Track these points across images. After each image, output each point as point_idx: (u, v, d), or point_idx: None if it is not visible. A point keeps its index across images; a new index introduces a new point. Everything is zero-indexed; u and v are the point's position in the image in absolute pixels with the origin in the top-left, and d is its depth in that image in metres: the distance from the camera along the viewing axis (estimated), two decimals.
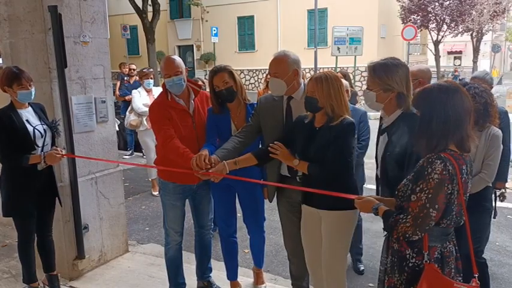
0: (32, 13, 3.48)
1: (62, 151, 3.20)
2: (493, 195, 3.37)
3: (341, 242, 2.75)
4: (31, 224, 3.29)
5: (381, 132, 2.51)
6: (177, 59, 3.21)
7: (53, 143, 3.29)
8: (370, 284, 3.84)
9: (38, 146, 3.16)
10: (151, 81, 6.23)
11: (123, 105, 8.39)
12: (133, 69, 9.17)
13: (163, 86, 3.20)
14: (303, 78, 3.04)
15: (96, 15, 3.83)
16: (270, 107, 3.00)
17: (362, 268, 4.06)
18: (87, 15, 3.75)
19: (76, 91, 3.68)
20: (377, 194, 2.62)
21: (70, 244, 3.70)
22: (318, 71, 3.27)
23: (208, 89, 3.30)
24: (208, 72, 3.22)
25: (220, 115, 3.18)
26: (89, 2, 3.76)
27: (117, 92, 8.45)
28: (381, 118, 2.59)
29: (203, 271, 3.60)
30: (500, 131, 3.06)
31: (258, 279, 3.65)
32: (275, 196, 3.16)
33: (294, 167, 2.68)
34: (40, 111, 3.30)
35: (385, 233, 2.21)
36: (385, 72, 2.36)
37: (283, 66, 2.88)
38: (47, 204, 3.36)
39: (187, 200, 3.38)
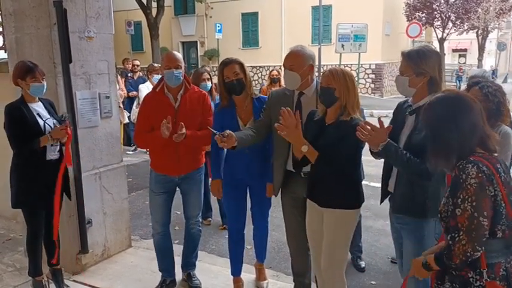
0: (37, 8, 3.49)
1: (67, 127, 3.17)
2: None
3: (341, 241, 2.73)
4: (39, 216, 3.31)
5: (409, 113, 2.52)
6: (179, 54, 3.33)
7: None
8: (372, 282, 3.85)
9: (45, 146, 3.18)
10: (160, 76, 6.24)
11: (127, 101, 8.41)
12: (137, 65, 9.18)
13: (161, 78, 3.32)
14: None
15: (101, 10, 3.84)
16: (280, 101, 2.98)
17: (363, 265, 4.07)
18: (92, 10, 3.76)
19: (80, 86, 3.69)
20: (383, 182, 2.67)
21: (74, 238, 3.72)
22: (321, 68, 3.27)
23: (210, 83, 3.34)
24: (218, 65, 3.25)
25: (226, 109, 3.21)
26: None
27: (124, 90, 8.33)
28: (396, 110, 2.66)
29: (185, 263, 3.63)
30: (510, 130, 3.03)
31: (260, 276, 3.67)
32: (279, 191, 3.17)
33: (303, 152, 2.59)
34: (50, 106, 3.33)
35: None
36: (419, 57, 2.42)
37: (299, 59, 2.90)
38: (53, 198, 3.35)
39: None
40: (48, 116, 3.24)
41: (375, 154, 2.48)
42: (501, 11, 21.96)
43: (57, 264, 3.50)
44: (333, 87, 2.58)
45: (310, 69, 2.92)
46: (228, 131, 2.77)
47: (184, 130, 3.06)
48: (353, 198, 2.71)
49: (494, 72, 21.55)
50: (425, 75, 2.41)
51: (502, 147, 2.94)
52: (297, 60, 2.90)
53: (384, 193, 2.70)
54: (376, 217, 5.28)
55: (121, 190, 4.12)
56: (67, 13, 3.44)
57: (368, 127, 2.33)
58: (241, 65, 3.18)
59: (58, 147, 3.28)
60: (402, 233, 2.61)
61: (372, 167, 4.15)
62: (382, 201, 2.75)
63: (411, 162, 2.33)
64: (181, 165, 3.29)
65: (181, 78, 3.24)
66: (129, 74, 9.12)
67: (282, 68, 3.07)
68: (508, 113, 3.08)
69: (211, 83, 4.78)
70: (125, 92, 8.21)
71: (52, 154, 3.25)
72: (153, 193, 3.43)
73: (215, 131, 2.80)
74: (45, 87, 3.21)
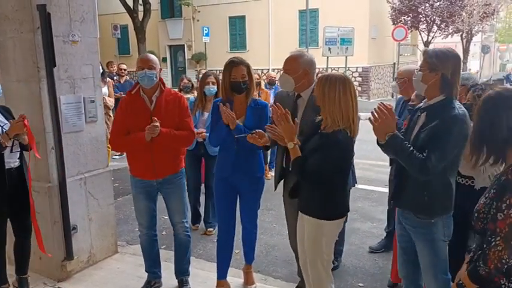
0: (20, 12, 3.45)
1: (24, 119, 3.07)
2: None
3: (317, 250, 2.68)
4: (1, 224, 3.25)
5: (420, 111, 2.59)
6: (154, 57, 3.37)
7: (22, 145, 3.21)
8: (360, 284, 3.85)
9: (7, 146, 3.10)
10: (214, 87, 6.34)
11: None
12: (124, 69, 9.11)
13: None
14: None
15: (86, 14, 3.80)
16: (284, 101, 3.10)
17: (335, 264, 3.90)
18: (76, 14, 3.72)
19: (65, 91, 3.64)
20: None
21: (58, 245, 3.66)
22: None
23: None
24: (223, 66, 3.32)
25: (227, 103, 3.26)
26: (79, 1, 3.73)
27: (112, 98, 8.12)
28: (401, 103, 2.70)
29: (178, 269, 3.62)
30: None
31: (248, 280, 3.66)
32: (282, 188, 3.27)
33: (289, 148, 2.62)
34: (6, 113, 3.26)
35: None
36: (435, 54, 2.49)
37: (294, 64, 3.08)
38: (21, 206, 3.30)
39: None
40: (6, 121, 3.17)
41: (382, 147, 2.51)
42: (485, 15, 22.28)
43: (25, 273, 3.44)
44: (315, 95, 2.59)
45: (305, 73, 3.06)
46: (257, 130, 2.97)
47: (158, 123, 3.08)
48: (329, 208, 2.63)
49: (508, 77, 21.68)
50: (437, 71, 2.46)
51: None
52: (292, 64, 3.09)
53: (393, 193, 2.77)
54: (363, 219, 5.30)
55: (107, 195, 4.08)
56: (51, 17, 3.40)
57: (384, 110, 2.39)
58: (249, 68, 3.29)
59: (18, 154, 3.20)
60: (412, 236, 2.64)
61: (358, 169, 4.17)
62: (391, 199, 2.82)
63: (413, 156, 2.39)
64: (156, 169, 3.28)
65: (155, 79, 3.24)
66: (114, 78, 9.04)
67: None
68: None
69: (217, 87, 4.65)
70: (112, 100, 8.04)
71: (12, 161, 3.18)
72: (134, 197, 3.46)
73: (243, 134, 3.06)
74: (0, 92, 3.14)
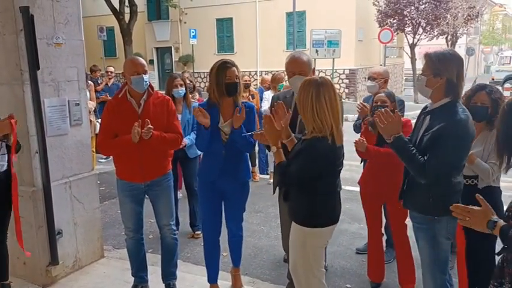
0: (2, 14, 3.40)
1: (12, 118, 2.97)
2: None
3: (305, 258, 2.65)
4: None
5: (424, 114, 2.64)
6: (143, 59, 3.36)
7: (8, 148, 3.12)
8: (348, 285, 3.87)
9: None
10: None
11: (99, 108, 8.23)
12: (111, 72, 9.04)
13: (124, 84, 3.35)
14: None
15: (70, 16, 3.76)
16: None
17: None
18: (60, 16, 3.68)
19: (49, 93, 3.60)
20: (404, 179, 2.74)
21: (43, 250, 3.61)
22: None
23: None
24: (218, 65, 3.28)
25: (213, 107, 3.25)
26: (63, 3, 3.69)
27: (94, 101, 7.97)
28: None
29: (165, 273, 3.59)
30: None
31: (236, 282, 3.65)
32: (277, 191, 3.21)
33: (273, 152, 2.63)
34: None
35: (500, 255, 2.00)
36: (438, 59, 2.49)
37: (307, 65, 3.17)
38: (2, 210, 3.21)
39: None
40: None
41: (389, 146, 2.60)
42: (469, 17, 22.56)
43: (6, 279, 3.37)
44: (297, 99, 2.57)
45: (313, 72, 3.17)
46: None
47: (151, 126, 3.07)
48: (313, 216, 2.59)
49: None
50: (441, 76, 2.47)
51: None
52: (305, 65, 3.16)
53: (400, 192, 2.82)
54: (351, 220, 5.32)
55: (92, 199, 4.03)
56: (34, 19, 3.36)
57: (389, 115, 2.47)
58: (238, 70, 3.31)
59: (6, 157, 3.13)
60: (417, 233, 2.71)
61: (346, 171, 4.18)
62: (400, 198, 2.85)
63: (414, 159, 2.46)
64: (145, 171, 3.26)
65: (148, 83, 3.26)
66: (99, 81, 8.97)
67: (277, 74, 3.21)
68: None
69: (186, 89, 4.72)
70: (93, 103, 7.90)
71: None
72: (121, 201, 3.42)
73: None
74: None
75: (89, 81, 7.37)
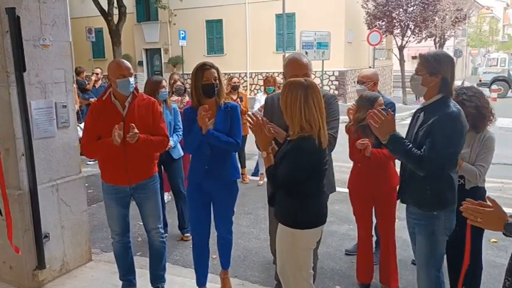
0: None
1: None
2: None
3: (290, 258, 2.66)
4: None
5: (418, 111, 2.74)
6: (127, 62, 3.35)
7: None
8: (337, 286, 3.88)
9: None
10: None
11: (86, 110, 8.16)
12: (97, 74, 8.98)
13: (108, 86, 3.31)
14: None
15: (57, 18, 3.73)
16: (274, 106, 3.10)
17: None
18: (47, 17, 3.64)
19: (36, 96, 3.56)
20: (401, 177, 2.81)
21: (30, 254, 3.57)
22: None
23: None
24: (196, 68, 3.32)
25: (195, 109, 3.23)
26: (49, 5, 3.66)
27: (76, 97, 7.86)
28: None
29: (153, 277, 3.57)
30: (493, 134, 3.19)
31: (225, 285, 3.63)
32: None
33: (263, 158, 2.64)
34: None
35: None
36: (434, 58, 2.61)
37: (308, 67, 3.15)
38: None
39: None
40: None
41: (385, 146, 2.68)
42: (456, 20, 22.80)
43: None
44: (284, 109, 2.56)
45: (310, 75, 3.15)
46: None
47: (136, 130, 3.04)
48: (301, 217, 2.60)
49: None
50: (437, 75, 2.59)
51: (485, 151, 3.10)
52: (308, 67, 3.14)
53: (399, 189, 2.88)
54: (340, 222, 5.34)
55: (80, 202, 4.00)
56: (20, 20, 3.32)
57: (382, 114, 2.54)
58: (218, 72, 3.29)
59: None
60: (416, 229, 2.76)
61: (336, 172, 4.18)
62: (398, 197, 2.92)
63: (411, 153, 2.54)
64: (130, 174, 3.24)
65: (134, 85, 3.26)
66: (86, 82, 8.90)
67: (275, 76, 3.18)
68: (492, 114, 3.19)
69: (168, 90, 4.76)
70: (76, 106, 7.82)
71: None
72: (106, 204, 3.39)
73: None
74: None
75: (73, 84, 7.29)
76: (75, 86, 7.49)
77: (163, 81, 4.61)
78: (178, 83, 5.75)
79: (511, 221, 1.77)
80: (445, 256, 3.37)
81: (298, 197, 2.59)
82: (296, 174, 2.50)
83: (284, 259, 2.70)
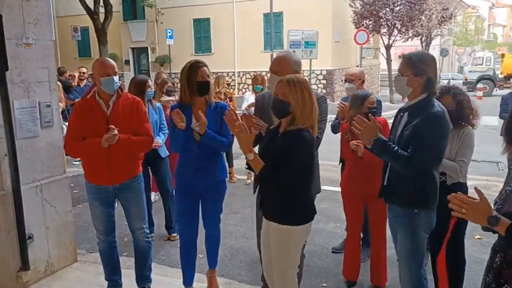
0: None
1: None
2: None
3: (284, 256, 2.66)
4: None
5: (402, 111, 2.75)
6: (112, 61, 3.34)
7: None
8: (324, 284, 3.89)
9: None
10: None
11: (71, 109, 8.06)
12: (83, 73, 8.91)
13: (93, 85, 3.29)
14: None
15: (41, 16, 3.69)
16: (265, 104, 3.10)
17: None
18: (30, 16, 3.60)
19: (19, 95, 3.51)
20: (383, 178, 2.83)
21: (13, 255, 3.52)
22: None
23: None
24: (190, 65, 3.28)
25: (185, 107, 3.23)
26: (33, 3, 3.61)
27: (61, 96, 7.73)
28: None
29: (139, 277, 3.55)
30: (473, 131, 3.25)
31: (212, 284, 3.62)
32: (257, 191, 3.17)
33: (248, 160, 2.57)
34: None
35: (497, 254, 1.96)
36: (418, 59, 2.63)
37: (285, 65, 3.06)
38: None
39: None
40: None
41: (370, 150, 2.70)
42: (443, 19, 23.06)
43: None
44: (288, 102, 2.51)
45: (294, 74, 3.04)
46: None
47: (116, 132, 3.02)
48: (296, 214, 2.62)
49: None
50: (422, 75, 2.60)
51: (464, 146, 3.15)
52: (282, 65, 3.06)
53: (382, 187, 2.89)
54: (327, 220, 5.37)
55: (65, 202, 3.96)
56: (2, 19, 3.27)
57: (363, 120, 2.57)
58: (209, 71, 3.29)
59: None
60: (397, 227, 2.79)
61: (322, 171, 4.21)
62: (380, 195, 2.93)
63: (398, 155, 2.56)
64: (113, 174, 3.21)
65: (119, 84, 3.24)
66: (70, 80, 8.82)
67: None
68: (473, 113, 3.24)
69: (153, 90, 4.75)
70: (61, 105, 7.73)
71: None
72: (90, 203, 3.37)
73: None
74: None
75: (58, 82, 7.19)
76: (59, 84, 7.41)
77: (149, 80, 4.57)
78: (169, 84, 5.73)
79: (495, 214, 1.78)
80: (430, 253, 3.43)
81: (296, 193, 2.61)
82: (298, 168, 2.52)
83: (278, 259, 2.69)
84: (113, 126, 3.03)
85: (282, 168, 2.49)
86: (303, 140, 2.49)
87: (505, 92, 9.81)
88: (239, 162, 7.81)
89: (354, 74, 4.41)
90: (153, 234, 4.81)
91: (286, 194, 2.59)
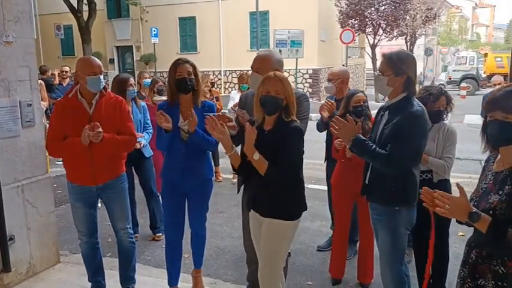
0: None
1: None
2: None
3: (277, 249, 2.71)
4: None
5: (382, 110, 2.77)
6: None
7: None
8: (309, 282, 3.90)
9: None
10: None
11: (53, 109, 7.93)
12: (66, 72, 8.79)
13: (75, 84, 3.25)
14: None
15: (21, 14, 3.63)
16: (249, 103, 3.09)
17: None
18: (10, 14, 3.53)
19: None
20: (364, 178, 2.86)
21: None
22: None
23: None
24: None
25: (171, 106, 3.23)
26: (13, 1, 3.55)
27: (45, 95, 7.57)
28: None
29: (123, 278, 3.52)
30: (454, 127, 3.31)
31: (197, 284, 3.61)
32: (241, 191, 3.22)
33: (253, 160, 2.55)
34: None
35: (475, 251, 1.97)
36: (399, 58, 2.66)
37: (266, 63, 3.06)
38: None
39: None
40: None
41: (350, 150, 2.73)
42: (427, 19, 23.32)
43: None
44: (282, 98, 2.55)
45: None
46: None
47: (100, 129, 2.98)
48: (295, 207, 2.70)
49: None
50: (403, 75, 2.63)
51: (450, 143, 3.20)
52: (263, 63, 3.06)
53: (363, 186, 2.91)
54: (312, 218, 5.38)
55: (47, 203, 3.89)
56: None
57: (340, 121, 2.60)
58: (195, 68, 3.24)
59: None
60: (378, 224, 2.81)
61: (308, 169, 4.23)
62: (362, 194, 2.97)
63: (377, 153, 2.58)
64: (96, 173, 3.17)
65: (104, 84, 3.20)
66: (52, 79, 8.70)
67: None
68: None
69: (136, 89, 4.68)
70: (45, 104, 7.61)
71: None
72: (72, 204, 3.31)
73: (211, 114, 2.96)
74: None
75: (40, 81, 7.08)
76: (42, 82, 7.30)
77: (131, 79, 4.52)
78: (160, 83, 5.67)
79: (475, 210, 1.80)
80: (413, 250, 3.46)
81: (292, 188, 2.66)
82: (299, 158, 2.61)
83: (271, 254, 2.70)
84: (97, 124, 2.98)
85: (280, 161, 2.53)
86: (300, 130, 2.60)
87: (488, 91, 9.97)
88: (225, 161, 7.80)
89: (333, 73, 4.41)
90: (137, 234, 4.77)
91: (285, 188, 2.62)
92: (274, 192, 2.63)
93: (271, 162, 2.53)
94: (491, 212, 1.83)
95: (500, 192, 1.84)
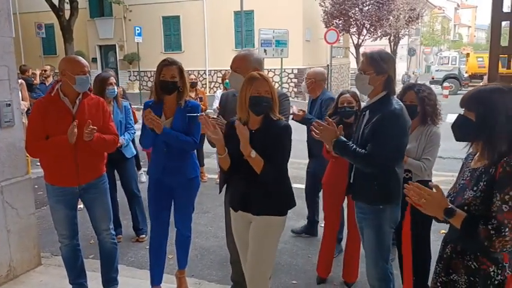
0: None
1: None
2: None
3: (269, 247, 2.72)
4: None
5: (364, 110, 2.79)
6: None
7: None
8: (293, 281, 3.90)
9: None
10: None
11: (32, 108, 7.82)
12: (45, 71, 8.67)
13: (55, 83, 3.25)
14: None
15: None
16: (229, 103, 3.09)
17: None
18: None
19: None
20: (349, 178, 2.88)
21: None
22: None
23: None
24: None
25: (156, 104, 3.24)
26: None
27: (26, 94, 7.42)
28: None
29: (105, 279, 3.48)
30: (440, 130, 3.31)
31: (182, 285, 3.57)
32: (224, 190, 3.19)
33: (249, 158, 2.52)
34: None
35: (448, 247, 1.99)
36: (380, 57, 2.68)
37: (245, 62, 3.06)
38: None
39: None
40: None
41: (334, 152, 2.74)
42: (410, 19, 23.64)
43: None
44: (271, 97, 2.57)
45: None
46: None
47: (92, 126, 2.94)
48: (287, 203, 2.73)
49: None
50: (384, 74, 2.65)
51: (431, 145, 3.22)
52: (242, 62, 3.07)
53: (348, 185, 2.93)
54: (297, 217, 5.37)
55: (27, 205, 3.82)
56: None
57: (321, 124, 2.64)
58: (181, 70, 3.21)
59: None
60: (363, 223, 2.83)
61: (293, 169, 4.23)
62: (347, 193, 3.04)
63: (357, 153, 2.60)
64: (80, 174, 3.12)
65: (90, 83, 3.18)
66: (33, 81, 8.58)
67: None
68: (440, 114, 3.34)
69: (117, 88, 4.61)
70: (25, 104, 7.47)
71: None
72: (52, 207, 3.24)
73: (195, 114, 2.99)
74: None
75: (21, 80, 6.96)
76: (23, 82, 7.18)
77: (111, 78, 4.45)
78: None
79: (451, 207, 1.83)
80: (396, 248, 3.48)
81: (283, 184, 2.69)
82: (289, 155, 2.63)
83: (261, 252, 2.69)
84: (90, 121, 2.94)
85: (273, 159, 2.54)
86: (290, 128, 2.62)
87: None
88: (210, 161, 7.76)
89: (308, 73, 4.60)
90: (121, 235, 4.71)
91: (278, 185, 2.64)
92: (267, 189, 2.63)
93: (275, 156, 2.57)
94: (465, 207, 1.85)
95: (475, 189, 1.87)
